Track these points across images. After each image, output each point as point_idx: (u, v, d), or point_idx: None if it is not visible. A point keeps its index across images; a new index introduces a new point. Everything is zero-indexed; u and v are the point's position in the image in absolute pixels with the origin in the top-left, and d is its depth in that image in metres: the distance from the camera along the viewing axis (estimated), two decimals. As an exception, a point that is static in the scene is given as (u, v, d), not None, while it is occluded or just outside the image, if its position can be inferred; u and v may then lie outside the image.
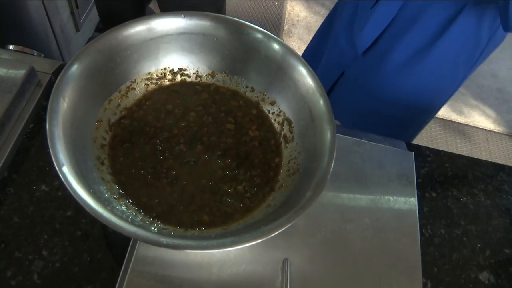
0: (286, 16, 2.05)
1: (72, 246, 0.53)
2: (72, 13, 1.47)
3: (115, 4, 1.27)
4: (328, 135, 0.50)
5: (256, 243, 0.54)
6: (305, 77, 0.53)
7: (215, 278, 0.51)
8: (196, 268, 0.52)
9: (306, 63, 0.54)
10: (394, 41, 0.75)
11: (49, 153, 0.58)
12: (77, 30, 1.56)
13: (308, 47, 1.08)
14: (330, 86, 0.92)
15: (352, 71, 0.86)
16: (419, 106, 0.83)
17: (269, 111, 0.58)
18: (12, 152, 0.57)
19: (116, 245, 0.55)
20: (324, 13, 2.09)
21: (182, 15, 0.54)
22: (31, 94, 0.61)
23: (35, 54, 0.68)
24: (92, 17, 1.62)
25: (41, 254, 0.51)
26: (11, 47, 0.68)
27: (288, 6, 2.09)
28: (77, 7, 1.46)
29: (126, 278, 0.50)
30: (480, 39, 0.71)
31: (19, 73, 0.59)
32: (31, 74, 0.60)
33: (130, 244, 0.52)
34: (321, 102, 0.51)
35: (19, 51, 0.67)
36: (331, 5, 2.10)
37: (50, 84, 0.63)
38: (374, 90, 0.83)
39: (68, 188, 0.39)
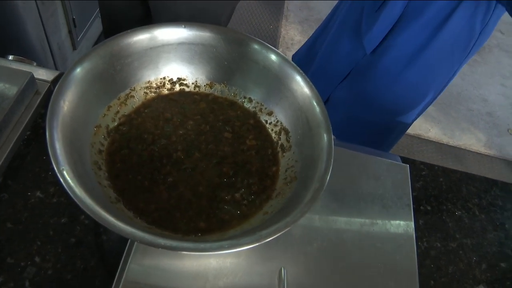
0: (280, 40, 2.09)
1: (66, 253, 0.52)
2: (70, 32, 1.49)
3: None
4: (325, 143, 0.50)
5: (253, 251, 0.54)
6: (302, 86, 0.54)
7: (210, 287, 0.50)
8: (191, 277, 0.51)
9: (303, 73, 0.55)
10: (398, 38, 0.80)
11: (45, 160, 0.58)
12: (74, 48, 1.57)
13: (297, 55, 1.12)
14: (328, 95, 0.97)
15: (356, 73, 0.89)
16: (409, 106, 0.89)
17: (266, 121, 0.59)
18: (8, 158, 0.56)
19: (110, 253, 0.54)
20: (317, 37, 2.13)
21: (183, 26, 0.55)
22: (29, 101, 0.61)
23: (35, 64, 0.69)
24: (89, 36, 1.64)
25: (33, 261, 0.50)
26: (10, 57, 0.69)
27: (282, 30, 2.14)
28: (75, 25, 1.48)
29: (120, 287, 0.49)
30: (474, 31, 0.76)
31: (19, 80, 0.59)
32: (31, 81, 0.60)
33: (125, 252, 0.52)
34: (318, 110, 0.52)
35: (19, 61, 0.68)
36: (324, 29, 2.15)
37: (49, 92, 0.64)
38: (371, 93, 0.86)
39: (66, 187, 0.39)
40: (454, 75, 0.86)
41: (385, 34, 0.81)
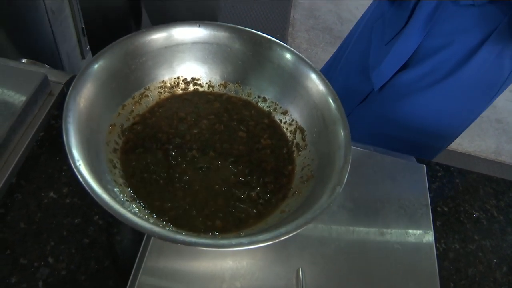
0: (287, 48, 2.10)
1: (79, 254, 0.51)
2: (79, 41, 1.50)
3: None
4: (342, 140, 0.49)
5: (270, 250, 0.53)
6: (317, 84, 0.54)
7: (227, 287, 0.49)
8: (207, 277, 0.50)
9: (318, 71, 0.54)
10: (409, 75, 0.73)
11: (58, 161, 0.58)
12: (83, 57, 1.58)
13: None
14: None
15: (366, 105, 0.84)
16: (435, 133, 0.82)
17: (281, 121, 0.58)
18: (22, 159, 0.56)
19: (124, 253, 0.53)
20: (324, 45, 2.14)
21: (198, 25, 0.55)
22: (43, 102, 0.61)
23: (48, 67, 0.69)
24: (98, 45, 1.65)
25: (47, 261, 0.50)
26: (24, 60, 0.69)
27: (289, 38, 2.14)
28: (83, 34, 1.49)
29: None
30: (503, 70, 0.70)
31: (32, 81, 0.59)
32: (44, 82, 0.60)
33: (139, 252, 0.51)
34: (334, 107, 0.51)
35: (32, 64, 0.68)
36: (331, 38, 2.16)
37: (62, 94, 0.64)
38: (389, 116, 0.81)
39: (82, 182, 0.38)
40: (476, 116, 0.80)
41: (395, 70, 0.73)
